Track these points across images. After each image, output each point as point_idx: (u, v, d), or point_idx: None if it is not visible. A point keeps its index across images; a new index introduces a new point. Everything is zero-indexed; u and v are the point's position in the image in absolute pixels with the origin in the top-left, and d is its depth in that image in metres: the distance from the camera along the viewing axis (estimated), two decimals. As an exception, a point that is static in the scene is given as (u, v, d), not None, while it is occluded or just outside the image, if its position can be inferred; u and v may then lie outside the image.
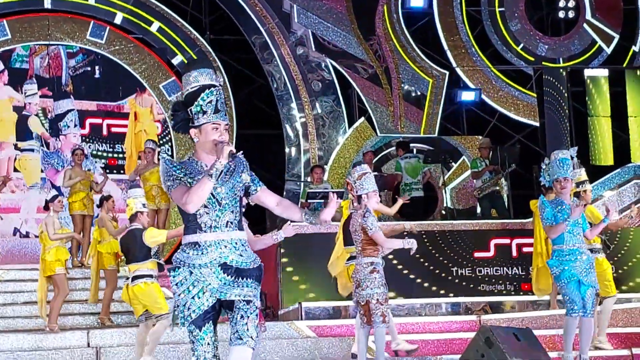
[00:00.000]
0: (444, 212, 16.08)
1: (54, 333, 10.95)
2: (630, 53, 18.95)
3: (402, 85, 17.96)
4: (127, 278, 9.91)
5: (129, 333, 10.76)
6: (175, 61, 17.92)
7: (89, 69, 17.63)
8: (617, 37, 18.94)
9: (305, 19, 17.85)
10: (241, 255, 5.16)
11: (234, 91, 18.01)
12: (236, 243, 5.17)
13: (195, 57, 17.47)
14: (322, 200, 14.78)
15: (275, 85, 18.20)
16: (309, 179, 16.33)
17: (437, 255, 12.35)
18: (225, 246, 5.13)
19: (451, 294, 12.32)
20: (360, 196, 8.68)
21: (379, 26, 18.04)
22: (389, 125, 17.81)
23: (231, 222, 5.18)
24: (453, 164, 17.66)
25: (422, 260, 12.15)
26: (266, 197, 5.33)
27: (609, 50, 18.88)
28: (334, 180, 17.09)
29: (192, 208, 5.06)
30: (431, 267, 12.27)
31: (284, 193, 17.36)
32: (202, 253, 5.11)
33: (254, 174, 5.33)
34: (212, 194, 5.12)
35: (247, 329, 5.07)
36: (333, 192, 5.33)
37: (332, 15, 17.95)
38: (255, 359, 7.94)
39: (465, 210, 17.04)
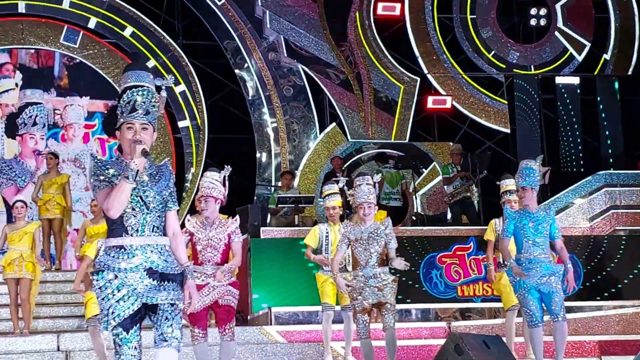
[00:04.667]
0: (414, 218, 16.15)
1: (24, 336, 10.91)
2: (602, 61, 19.11)
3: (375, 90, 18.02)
4: None
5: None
6: (148, 65, 17.87)
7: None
8: (588, 45, 19.09)
9: (278, 24, 17.88)
10: (166, 261, 5.08)
11: (206, 95, 18.01)
12: (162, 248, 5.10)
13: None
14: (292, 206, 14.81)
15: (247, 90, 18.21)
16: (279, 184, 16.36)
17: (407, 261, 12.38)
18: (152, 251, 5.05)
19: (421, 301, 12.37)
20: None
21: (351, 32, 18.10)
22: (360, 130, 17.87)
23: (157, 227, 5.11)
24: (424, 169, 17.74)
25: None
26: (170, 223, 5.21)
27: (580, 58, 19.02)
28: (304, 186, 17.12)
29: (114, 213, 4.98)
30: (404, 272, 12.32)
31: (255, 198, 17.38)
32: (128, 257, 5.01)
33: (175, 191, 5.26)
34: (140, 196, 5.04)
35: (172, 331, 5.03)
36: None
37: (304, 21, 17.99)
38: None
39: (435, 217, 17.11)
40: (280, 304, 11.97)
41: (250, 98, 18.18)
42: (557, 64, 18.97)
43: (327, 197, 10.15)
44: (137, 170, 4.96)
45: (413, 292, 12.37)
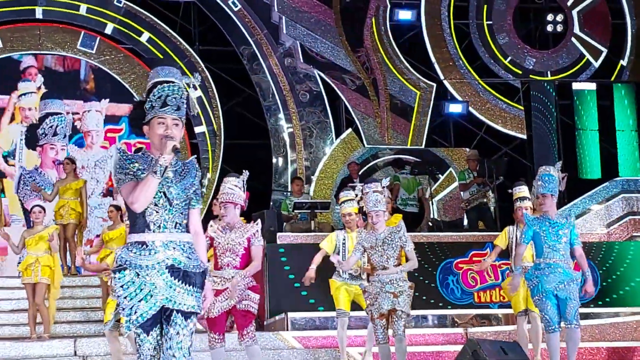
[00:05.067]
0: (430, 223, 16.11)
1: (41, 341, 10.93)
2: (618, 67, 19.05)
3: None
4: None
5: (115, 342, 10.73)
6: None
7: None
8: (605, 51, 19.04)
9: (294, 30, 17.89)
10: (189, 258, 5.02)
11: (222, 101, 18.04)
12: (184, 245, 5.03)
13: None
14: (307, 211, 14.81)
15: (263, 96, 18.23)
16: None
17: (425, 266, 12.37)
18: (174, 248, 4.99)
19: (439, 306, 12.34)
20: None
21: (367, 38, 18.10)
22: (376, 136, 17.86)
23: (180, 224, 5.05)
24: (440, 175, 17.70)
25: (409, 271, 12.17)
26: (193, 219, 5.18)
27: (597, 64, 18.97)
28: (320, 191, 17.12)
29: (138, 207, 4.92)
30: (420, 278, 12.30)
31: (271, 203, 17.38)
32: (150, 253, 4.96)
33: (200, 189, 5.22)
34: (164, 192, 5.00)
35: (182, 347, 4.96)
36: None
37: (321, 27, 18.00)
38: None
39: (452, 222, 17.06)
40: (296, 310, 11.96)
41: (266, 104, 18.19)
42: (573, 70, 18.92)
43: (343, 204, 10.13)
44: (166, 166, 4.92)
45: (429, 298, 12.33)
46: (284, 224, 15.20)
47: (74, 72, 17.69)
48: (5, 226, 14.27)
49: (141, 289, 4.94)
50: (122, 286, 4.96)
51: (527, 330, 10.01)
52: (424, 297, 12.24)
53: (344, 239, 10.02)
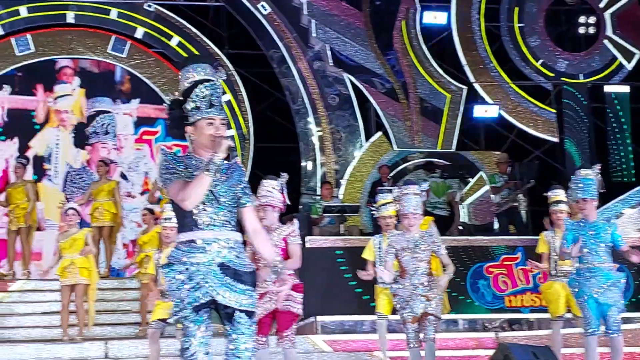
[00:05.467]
0: (461, 227, 16.04)
1: (73, 343, 10.99)
2: (652, 70, 18.90)
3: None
4: None
5: (146, 344, 10.75)
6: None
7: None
8: (638, 53, 18.87)
9: (323, 33, 17.89)
10: (238, 257, 4.98)
11: (252, 105, 18.06)
12: (233, 244, 4.99)
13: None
14: (337, 215, 14.78)
15: (292, 99, 18.23)
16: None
17: (456, 270, 12.29)
18: (224, 246, 4.95)
19: (470, 310, 12.28)
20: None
21: (397, 41, 18.05)
22: (406, 139, 17.80)
23: (228, 222, 5.01)
24: (470, 179, 17.61)
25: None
26: (248, 218, 5.17)
27: (630, 66, 18.81)
28: (349, 195, 17.07)
29: (189, 205, 4.89)
30: (450, 282, 12.22)
31: (300, 207, 17.37)
32: (200, 252, 4.92)
33: (249, 187, 5.18)
34: (211, 191, 4.95)
35: (246, 348, 4.93)
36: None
37: (350, 30, 17.98)
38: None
39: (482, 226, 16.98)
40: (325, 313, 11.93)
41: (295, 107, 18.19)
42: (606, 72, 18.76)
43: (381, 207, 10.13)
44: (220, 165, 4.89)
45: (460, 302, 12.27)
46: (313, 227, 15.20)
47: (108, 72, 17.78)
48: (39, 230, 14.42)
49: (190, 279, 4.90)
50: (170, 280, 4.95)
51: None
52: (454, 302, 12.17)
53: (380, 244, 10.04)
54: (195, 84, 5.04)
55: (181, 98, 5.09)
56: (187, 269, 4.91)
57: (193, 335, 4.89)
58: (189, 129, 5.06)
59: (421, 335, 8.57)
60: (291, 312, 8.00)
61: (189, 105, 5.03)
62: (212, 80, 5.07)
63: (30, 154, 16.91)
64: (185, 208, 4.91)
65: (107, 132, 16.92)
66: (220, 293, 4.89)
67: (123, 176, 17.19)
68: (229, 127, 5.24)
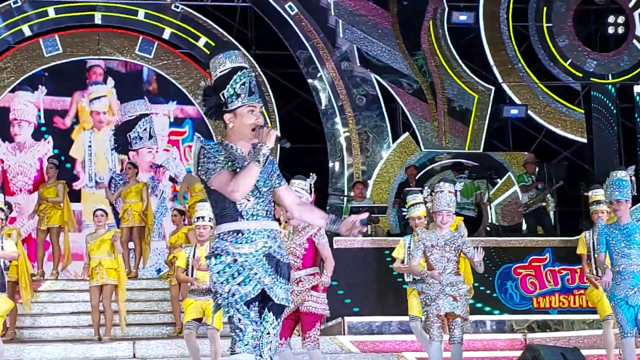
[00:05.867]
0: (489, 228, 15.97)
1: (101, 343, 11.04)
2: (681, 69, 18.72)
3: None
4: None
5: (174, 344, 10.80)
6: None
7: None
8: (667, 53, 18.72)
9: (351, 34, 17.85)
10: (280, 247, 4.95)
11: (279, 105, 18.07)
12: (276, 234, 4.95)
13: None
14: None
15: (319, 100, 18.22)
16: (351, 194, 16.32)
17: (484, 271, 12.25)
18: (268, 236, 4.90)
19: (497, 311, 12.23)
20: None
21: (425, 41, 17.99)
22: (434, 140, 17.73)
23: (269, 212, 4.96)
24: (498, 180, 17.52)
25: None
26: (287, 195, 5.12)
27: (659, 66, 18.66)
28: (377, 196, 17.04)
29: (239, 196, 4.82)
30: (475, 284, 12.19)
31: (327, 208, 17.35)
32: (247, 242, 4.86)
33: (280, 174, 5.11)
34: None
35: (270, 348, 4.89)
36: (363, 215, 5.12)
37: (377, 30, 17.94)
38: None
39: (510, 227, 16.89)
40: (352, 314, 11.92)
41: (322, 108, 18.18)
42: (635, 72, 18.59)
43: (412, 207, 10.12)
44: (268, 156, 4.85)
45: (487, 303, 12.22)
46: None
47: (136, 72, 17.85)
48: (76, 231, 14.56)
49: (239, 273, 4.84)
50: (217, 272, 4.87)
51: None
52: (482, 302, 12.14)
53: (410, 243, 10.04)
54: (233, 70, 4.97)
55: (214, 85, 5.00)
56: (235, 260, 4.85)
57: (245, 329, 4.82)
58: (227, 116, 4.97)
59: (446, 337, 8.54)
60: (314, 313, 7.98)
61: (227, 93, 4.94)
62: (247, 68, 5.02)
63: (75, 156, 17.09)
64: (233, 199, 4.84)
65: (150, 136, 17.00)
66: (267, 283, 4.85)
67: (172, 179, 17.28)
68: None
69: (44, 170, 15.91)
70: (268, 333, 4.89)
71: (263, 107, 5.04)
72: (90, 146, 17.35)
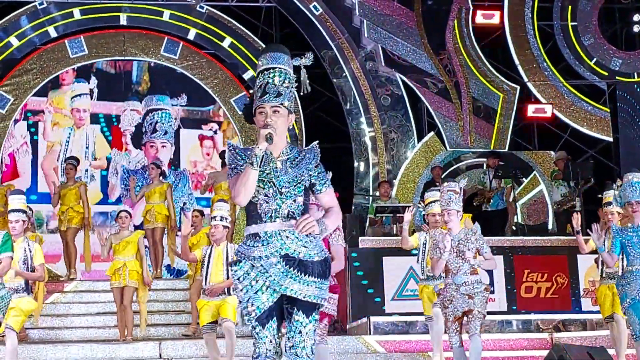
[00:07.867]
0: (514, 227, 15.91)
1: (127, 343, 11.07)
2: None
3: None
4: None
5: (200, 344, 10.82)
6: (246, 76, 18.06)
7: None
8: (692, 51, 18.60)
9: (375, 33, 17.84)
10: (305, 247, 4.86)
11: (304, 105, 18.08)
12: (299, 234, 4.84)
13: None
14: (391, 215, 14.75)
15: (344, 100, 18.21)
16: (377, 194, 16.31)
17: (508, 271, 12.23)
18: (287, 237, 4.83)
19: (523, 310, 12.18)
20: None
21: (449, 41, 17.95)
22: (459, 140, 17.69)
23: (292, 212, 4.88)
24: (524, 179, 17.46)
25: (492, 276, 12.05)
26: (325, 202, 5.02)
27: (685, 64, 18.54)
28: (402, 195, 17.02)
29: (240, 200, 4.81)
30: (502, 283, 12.15)
31: (352, 207, 17.35)
32: (263, 244, 4.83)
33: (325, 173, 5.03)
34: (273, 182, 4.86)
35: (304, 347, 4.82)
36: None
37: (402, 30, 17.92)
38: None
39: (536, 226, 16.82)
40: (378, 314, 11.91)
41: (347, 107, 18.18)
42: (661, 71, 18.50)
43: (429, 205, 10.13)
44: (263, 156, 4.80)
45: (513, 302, 12.17)
46: (367, 227, 15.18)
47: (125, 73, 17.82)
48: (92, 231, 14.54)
49: (256, 280, 4.84)
50: (238, 279, 4.88)
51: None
52: (508, 302, 12.10)
53: (425, 241, 10.04)
54: (260, 72, 4.98)
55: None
56: (252, 265, 4.86)
57: (264, 337, 4.85)
58: (254, 119, 4.99)
59: (464, 336, 8.51)
60: (322, 311, 7.98)
61: (255, 95, 4.98)
62: (276, 68, 4.98)
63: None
64: (239, 204, 4.87)
65: (155, 130, 17.02)
66: (284, 284, 4.82)
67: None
68: (291, 112, 5.04)
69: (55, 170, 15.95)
70: (300, 332, 4.83)
71: (280, 106, 4.92)
72: (67, 142, 17.28)
